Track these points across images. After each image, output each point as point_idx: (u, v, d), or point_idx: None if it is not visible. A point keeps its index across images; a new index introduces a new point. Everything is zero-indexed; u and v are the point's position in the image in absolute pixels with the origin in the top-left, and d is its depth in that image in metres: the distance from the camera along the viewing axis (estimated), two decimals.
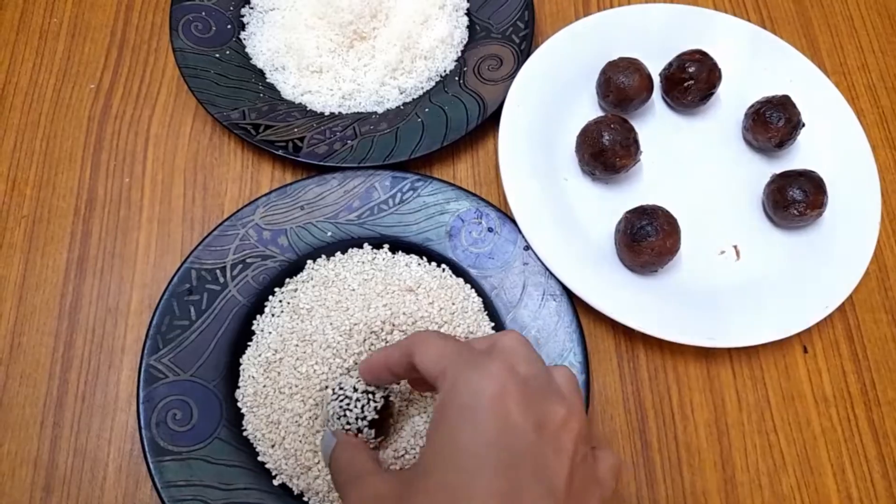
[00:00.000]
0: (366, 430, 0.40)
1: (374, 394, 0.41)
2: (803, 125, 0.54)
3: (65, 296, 0.50)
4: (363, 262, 0.51)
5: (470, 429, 0.31)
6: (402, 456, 0.44)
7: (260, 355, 0.48)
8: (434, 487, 0.31)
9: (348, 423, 0.40)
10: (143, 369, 0.45)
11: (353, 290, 0.49)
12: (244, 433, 0.46)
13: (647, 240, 0.48)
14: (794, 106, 0.54)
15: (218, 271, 0.49)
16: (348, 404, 0.40)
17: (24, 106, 0.57)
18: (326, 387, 0.45)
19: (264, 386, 0.47)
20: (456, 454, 0.31)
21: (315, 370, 0.46)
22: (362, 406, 0.40)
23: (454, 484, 0.30)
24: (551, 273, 0.49)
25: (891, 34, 0.65)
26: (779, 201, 0.52)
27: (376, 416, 0.40)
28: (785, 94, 0.54)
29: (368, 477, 0.36)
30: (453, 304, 0.50)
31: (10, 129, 0.56)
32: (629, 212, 0.50)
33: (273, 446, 0.45)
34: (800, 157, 0.56)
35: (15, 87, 0.57)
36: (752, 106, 0.55)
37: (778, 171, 0.54)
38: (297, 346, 0.47)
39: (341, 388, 0.41)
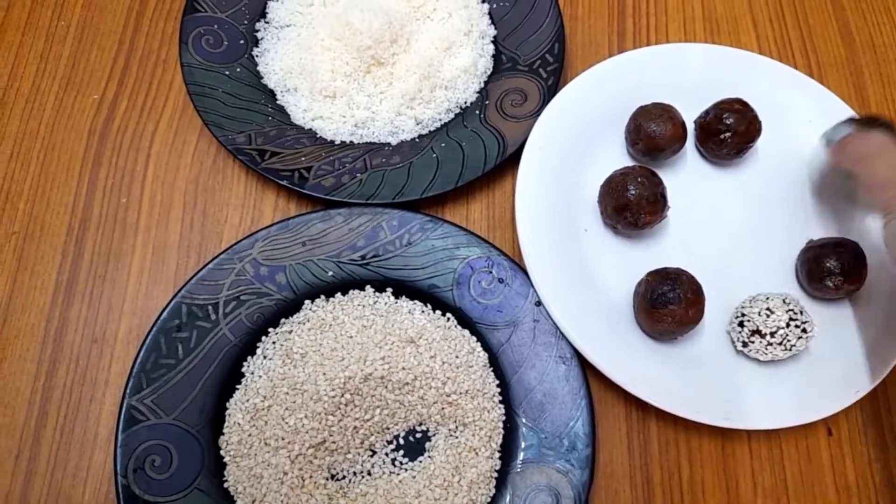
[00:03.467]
0: None
1: None
2: None
3: (51, 320, 0.48)
4: (363, 307, 0.48)
5: None
6: None
7: (248, 400, 0.45)
8: None
9: None
10: (123, 410, 0.43)
11: (351, 337, 0.47)
12: (224, 484, 0.43)
13: (668, 307, 0.45)
14: None
15: (210, 307, 0.46)
16: None
17: (23, 113, 0.54)
18: None
19: (249, 435, 0.44)
20: None
21: (304, 424, 0.43)
22: None
23: None
24: (562, 334, 0.46)
25: None
26: (814, 271, 0.48)
27: None
28: None
29: None
30: (457, 357, 0.47)
31: (8, 138, 0.53)
32: (651, 273, 0.47)
33: (254, 502, 0.43)
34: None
35: (16, 92, 0.55)
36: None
37: (814, 236, 0.50)
38: (286, 394, 0.45)
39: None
